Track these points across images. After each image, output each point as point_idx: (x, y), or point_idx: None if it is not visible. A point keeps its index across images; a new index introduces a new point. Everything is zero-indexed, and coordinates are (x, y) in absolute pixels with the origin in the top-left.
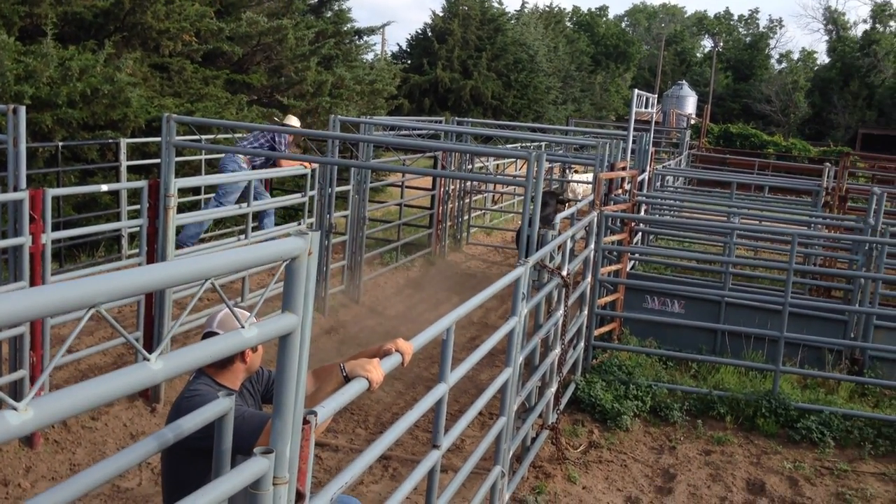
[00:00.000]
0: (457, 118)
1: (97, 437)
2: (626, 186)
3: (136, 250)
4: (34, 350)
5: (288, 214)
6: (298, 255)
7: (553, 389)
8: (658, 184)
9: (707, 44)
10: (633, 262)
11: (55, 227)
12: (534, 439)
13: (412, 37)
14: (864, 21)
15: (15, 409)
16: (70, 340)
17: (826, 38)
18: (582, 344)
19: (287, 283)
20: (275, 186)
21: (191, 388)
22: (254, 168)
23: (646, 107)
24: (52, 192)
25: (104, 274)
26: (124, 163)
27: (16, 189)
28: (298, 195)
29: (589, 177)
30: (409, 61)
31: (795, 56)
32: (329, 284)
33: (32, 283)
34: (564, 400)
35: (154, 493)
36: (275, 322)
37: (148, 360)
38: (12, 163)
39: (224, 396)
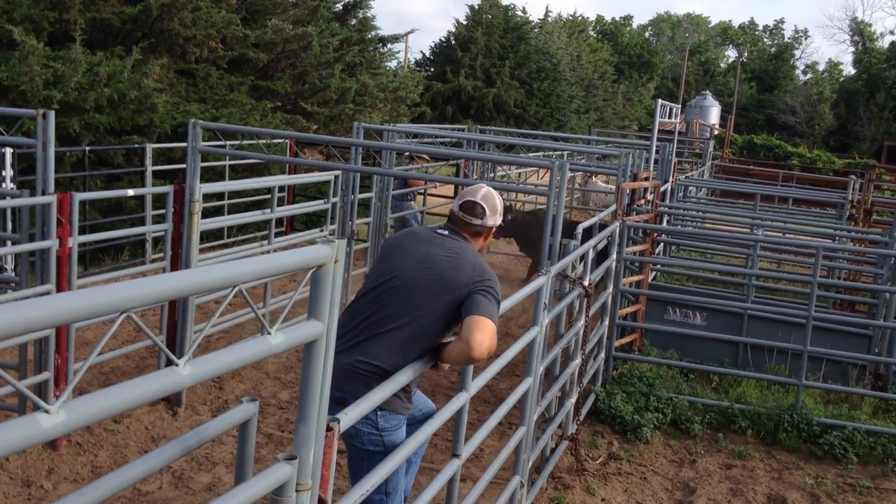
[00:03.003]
0: (479, 126)
1: (119, 440)
2: (649, 197)
3: (161, 255)
4: (59, 353)
5: (310, 221)
6: (325, 263)
7: (573, 400)
8: (680, 194)
9: (731, 54)
10: (654, 272)
11: (81, 231)
12: (553, 450)
13: (435, 45)
14: (891, 32)
15: (47, 411)
16: (101, 345)
17: (852, 49)
18: (602, 355)
19: (313, 291)
20: (297, 193)
21: (450, 239)
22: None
23: (669, 117)
24: (79, 196)
25: (135, 279)
26: (150, 168)
27: (44, 193)
28: (321, 202)
29: (607, 187)
30: (432, 69)
31: (821, 67)
32: (351, 291)
33: (59, 286)
34: (584, 411)
35: (174, 496)
36: (301, 329)
37: (176, 365)
38: (41, 167)
39: None
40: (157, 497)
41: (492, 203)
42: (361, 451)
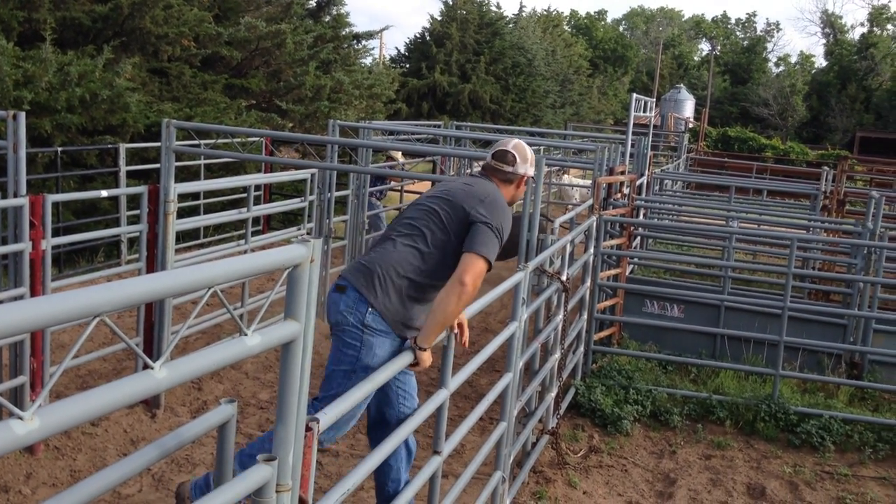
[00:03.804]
0: (455, 122)
1: (98, 444)
2: (625, 190)
3: (136, 256)
4: (34, 356)
5: (287, 219)
6: (301, 263)
7: (553, 394)
8: (656, 188)
9: (705, 47)
10: (632, 266)
11: (55, 233)
12: (534, 444)
13: (410, 41)
14: (862, 24)
15: (21, 418)
16: (74, 349)
17: (823, 41)
18: (581, 348)
19: (289, 291)
20: (274, 191)
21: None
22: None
23: (644, 111)
24: (52, 197)
25: (109, 283)
26: (123, 168)
27: (16, 195)
28: (298, 200)
29: (585, 181)
30: (407, 65)
31: (793, 59)
32: (328, 290)
33: (33, 290)
34: (564, 405)
35: (154, 499)
36: (278, 329)
37: (152, 368)
38: (12, 168)
39: None
40: (138, 500)
41: (522, 152)
42: (338, 342)
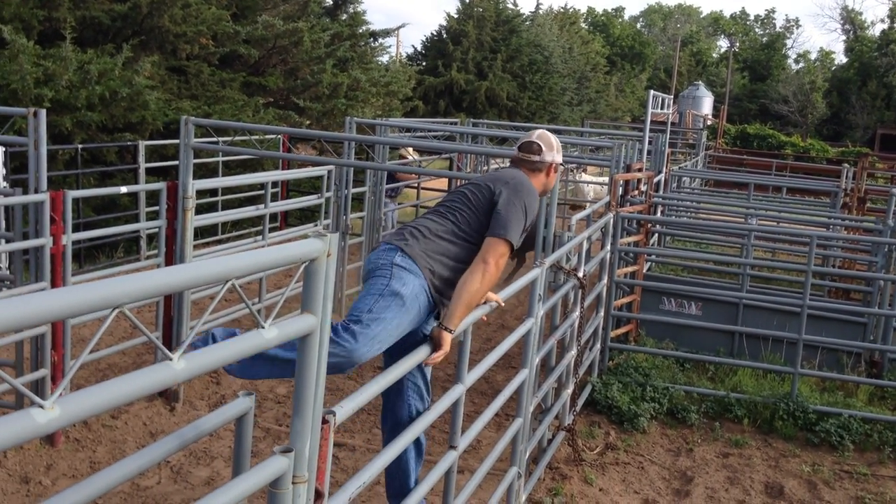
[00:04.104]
0: (472, 120)
1: (117, 436)
2: (643, 188)
3: (155, 251)
4: (55, 349)
5: (304, 216)
6: (318, 257)
7: (569, 391)
8: (674, 185)
9: (723, 44)
10: (649, 263)
11: (75, 229)
12: (550, 441)
13: (427, 39)
14: (882, 21)
15: (41, 406)
16: (94, 341)
17: (843, 37)
18: (598, 345)
19: (306, 285)
20: (291, 188)
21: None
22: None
23: (662, 108)
24: (72, 193)
25: (128, 275)
26: (143, 165)
27: (37, 191)
28: (315, 197)
29: (600, 178)
30: (423, 63)
31: (813, 56)
32: (345, 285)
33: (53, 284)
34: (581, 401)
35: (173, 491)
36: (295, 323)
37: (171, 359)
38: (33, 165)
39: None
40: (156, 492)
41: (547, 140)
42: (370, 280)
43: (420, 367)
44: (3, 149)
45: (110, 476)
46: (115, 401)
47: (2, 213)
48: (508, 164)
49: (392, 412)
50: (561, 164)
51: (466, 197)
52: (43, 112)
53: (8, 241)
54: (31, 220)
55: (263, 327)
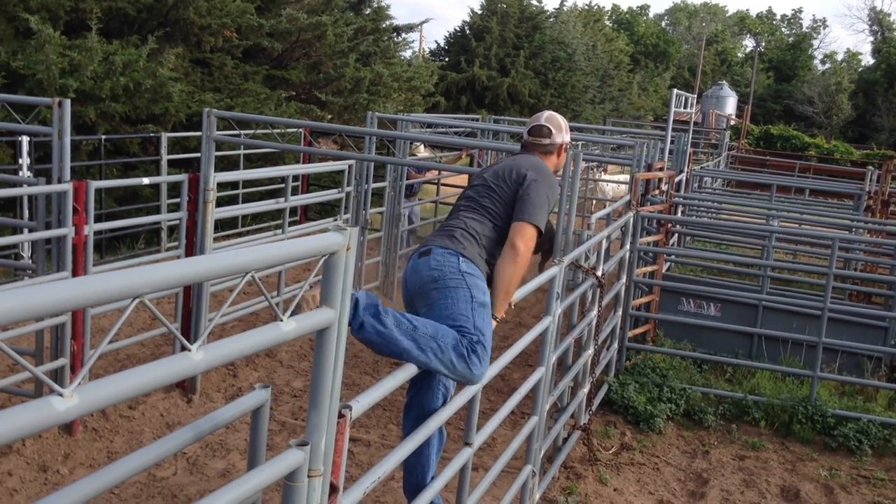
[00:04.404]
0: (493, 116)
1: (134, 426)
2: (664, 187)
3: (175, 243)
4: (75, 339)
5: (324, 210)
6: (337, 250)
7: (585, 390)
8: (696, 185)
9: (749, 44)
10: (668, 263)
11: (97, 219)
12: (565, 440)
13: (450, 34)
14: None
15: (61, 395)
16: (114, 330)
17: (871, 39)
18: (615, 345)
19: (325, 278)
20: (311, 182)
21: (525, 157)
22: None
23: (685, 107)
24: (95, 184)
25: (148, 265)
26: (165, 157)
27: (60, 181)
28: (335, 191)
29: (620, 177)
30: (446, 59)
31: (839, 57)
32: (364, 280)
33: (75, 274)
34: (597, 401)
35: (188, 482)
36: (313, 316)
37: (189, 350)
38: (57, 155)
39: None
40: (172, 483)
41: (556, 122)
42: (439, 293)
43: None
44: (28, 138)
45: (127, 466)
46: (133, 390)
47: (25, 203)
48: (520, 150)
49: (419, 404)
50: (570, 143)
51: (492, 189)
52: (68, 102)
53: (31, 231)
54: (54, 209)
55: (282, 320)
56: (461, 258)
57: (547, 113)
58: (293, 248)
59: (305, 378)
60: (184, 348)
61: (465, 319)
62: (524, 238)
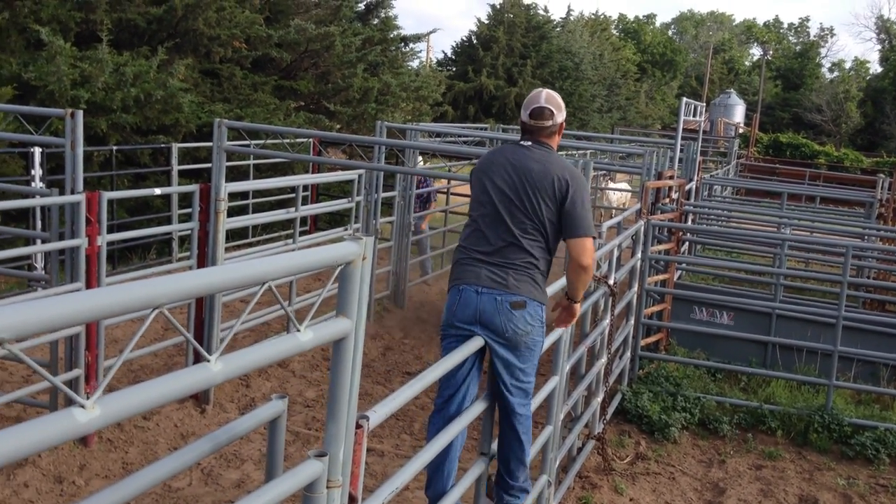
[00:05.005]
0: (502, 126)
1: (149, 437)
2: (674, 195)
3: (187, 253)
4: (89, 350)
5: (333, 220)
6: (353, 260)
7: (599, 399)
8: (705, 193)
9: (756, 52)
10: (679, 272)
11: (109, 230)
12: (580, 449)
13: (457, 44)
14: None
15: (83, 406)
16: (135, 340)
17: (878, 47)
18: (628, 354)
19: (341, 288)
20: (321, 192)
21: (535, 149)
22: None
23: (693, 115)
24: (107, 195)
25: (167, 276)
26: (175, 167)
27: (73, 192)
28: (345, 201)
29: (622, 185)
30: (453, 68)
31: (847, 65)
32: (374, 290)
33: (88, 284)
34: (611, 410)
35: (204, 493)
36: (330, 326)
37: (208, 361)
38: (70, 166)
39: None
40: (188, 493)
41: (555, 102)
42: (531, 348)
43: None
44: (41, 149)
45: (145, 478)
46: (154, 401)
47: (38, 214)
48: (522, 136)
49: (458, 408)
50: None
51: (531, 203)
52: (80, 113)
53: (44, 241)
54: (67, 220)
55: (299, 330)
56: (541, 308)
57: (545, 92)
58: (310, 257)
59: (318, 388)
60: (197, 360)
61: (531, 372)
62: (588, 253)
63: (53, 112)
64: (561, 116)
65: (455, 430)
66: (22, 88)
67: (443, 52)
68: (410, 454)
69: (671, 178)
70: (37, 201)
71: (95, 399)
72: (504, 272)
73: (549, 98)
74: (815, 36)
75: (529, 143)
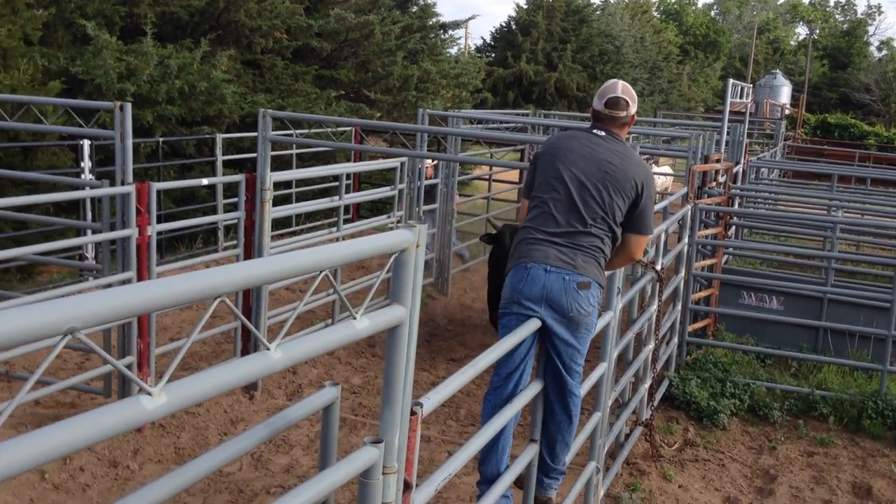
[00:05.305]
0: (543, 111)
1: (200, 423)
2: (721, 179)
3: (233, 242)
4: (141, 338)
5: (375, 208)
6: (407, 248)
7: (647, 385)
8: (752, 176)
9: (802, 31)
10: (726, 257)
11: (157, 220)
12: (627, 436)
13: (496, 30)
14: None
15: (149, 394)
16: (198, 329)
17: None
18: (675, 340)
19: (395, 275)
20: (362, 180)
21: (612, 141)
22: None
23: (740, 97)
24: (156, 185)
25: (228, 265)
26: (220, 157)
27: (123, 183)
28: (388, 189)
29: (667, 169)
30: (492, 55)
31: None
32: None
33: (139, 274)
34: (658, 396)
35: (254, 477)
36: (385, 314)
37: (268, 349)
38: (120, 157)
39: None
40: (238, 478)
41: (630, 93)
42: (588, 328)
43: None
44: (90, 142)
45: (206, 463)
46: (217, 388)
47: (88, 205)
48: (593, 123)
49: (514, 388)
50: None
51: (607, 196)
52: (129, 106)
53: (95, 232)
54: (119, 211)
55: (355, 318)
56: (601, 292)
57: (620, 83)
58: (365, 245)
59: (363, 374)
60: (245, 348)
61: (584, 354)
62: (643, 249)
63: (103, 105)
64: (634, 108)
65: (510, 412)
66: (70, 82)
67: (481, 38)
68: (457, 440)
69: (718, 161)
70: (88, 193)
71: (161, 387)
72: (573, 253)
73: (625, 89)
74: (862, 14)
75: (603, 133)
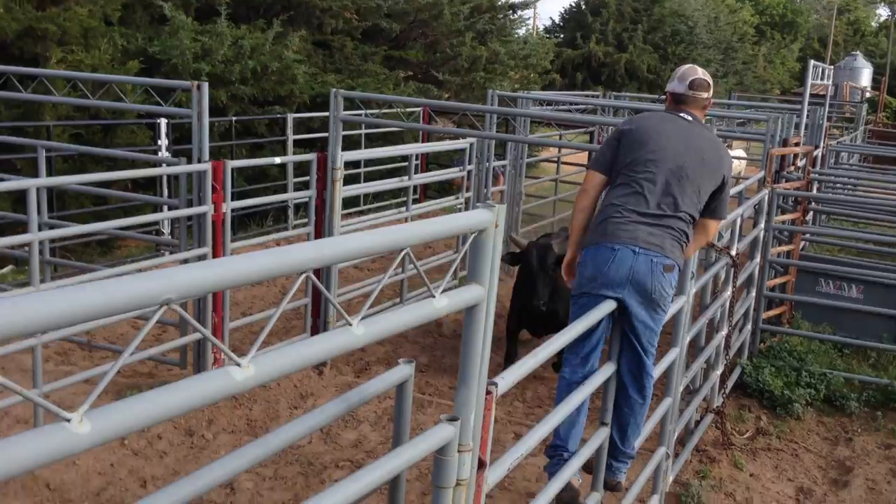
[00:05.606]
0: (613, 93)
1: (271, 396)
2: (800, 163)
3: (304, 220)
4: (216, 312)
5: (442, 188)
6: (486, 228)
7: (718, 372)
8: (832, 161)
9: (883, 12)
10: (802, 243)
11: (231, 198)
12: (698, 423)
13: (565, 10)
14: None
15: (238, 365)
16: (283, 305)
17: None
18: (749, 327)
19: (473, 255)
20: (430, 161)
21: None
22: None
23: (821, 79)
24: (231, 163)
25: (314, 241)
26: (291, 137)
27: (200, 161)
28: (457, 169)
29: (741, 152)
30: (561, 35)
31: None
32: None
33: (214, 250)
34: (730, 384)
35: (323, 451)
36: (463, 293)
37: (351, 325)
38: (196, 136)
39: None
40: (308, 451)
41: (709, 78)
42: (664, 309)
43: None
44: (167, 120)
45: (286, 433)
46: (303, 362)
47: (164, 182)
48: (672, 106)
49: (591, 368)
50: None
51: (693, 186)
52: (206, 85)
53: (171, 208)
54: (195, 188)
55: (434, 296)
56: (679, 271)
57: (697, 67)
58: (445, 225)
59: (430, 353)
60: (315, 324)
61: (658, 336)
62: (716, 233)
63: (180, 84)
64: (712, 90)
65: (589, 388)
66: (147, 62)
67: (550, 18)
68: (524, 421)
69: (797, 144)
70: (165, 170)
71: (250, 359)
72: (662, 234)
73: (704, 73)
74: None
75: (690, 117)
